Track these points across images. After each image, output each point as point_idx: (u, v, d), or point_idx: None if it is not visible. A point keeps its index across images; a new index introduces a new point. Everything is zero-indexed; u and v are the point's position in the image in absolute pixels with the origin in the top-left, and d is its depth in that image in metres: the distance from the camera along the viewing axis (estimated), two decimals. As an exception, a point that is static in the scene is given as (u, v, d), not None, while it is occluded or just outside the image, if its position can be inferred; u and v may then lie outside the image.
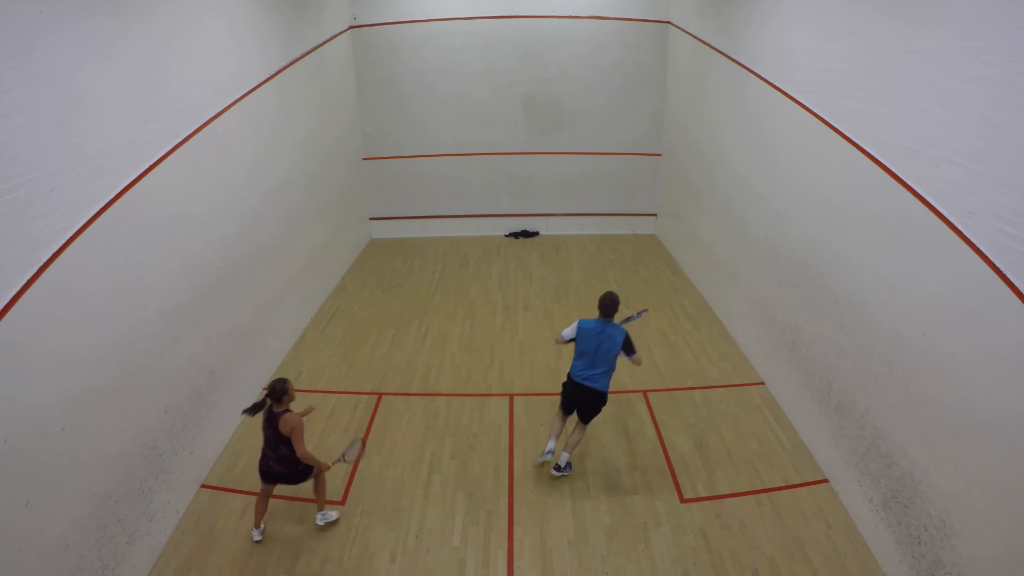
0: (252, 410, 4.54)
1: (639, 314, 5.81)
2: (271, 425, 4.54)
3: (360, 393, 6.71)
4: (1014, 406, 3.32)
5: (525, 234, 11.67)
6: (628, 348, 5.08)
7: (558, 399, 6.50)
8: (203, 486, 5.36)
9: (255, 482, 5.38)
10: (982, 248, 3.55)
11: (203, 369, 5.52)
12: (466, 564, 4.61)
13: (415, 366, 7.23)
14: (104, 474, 4.17)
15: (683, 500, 5.15)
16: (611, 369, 5.14)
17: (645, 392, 6.63)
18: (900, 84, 4.29)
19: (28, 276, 3.56)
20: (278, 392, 4.48)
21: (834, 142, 5.14)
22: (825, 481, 5.30)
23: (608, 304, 5.08)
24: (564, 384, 5.38)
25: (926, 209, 4.00)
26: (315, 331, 8.12)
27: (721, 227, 8.15)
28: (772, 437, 5.89)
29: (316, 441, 5.92)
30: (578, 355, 5.17)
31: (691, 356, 7.36)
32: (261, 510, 4.83)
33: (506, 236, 11.70)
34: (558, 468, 5.34)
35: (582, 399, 5.23)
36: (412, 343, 7.75)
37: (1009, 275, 3.36)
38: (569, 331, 5.20)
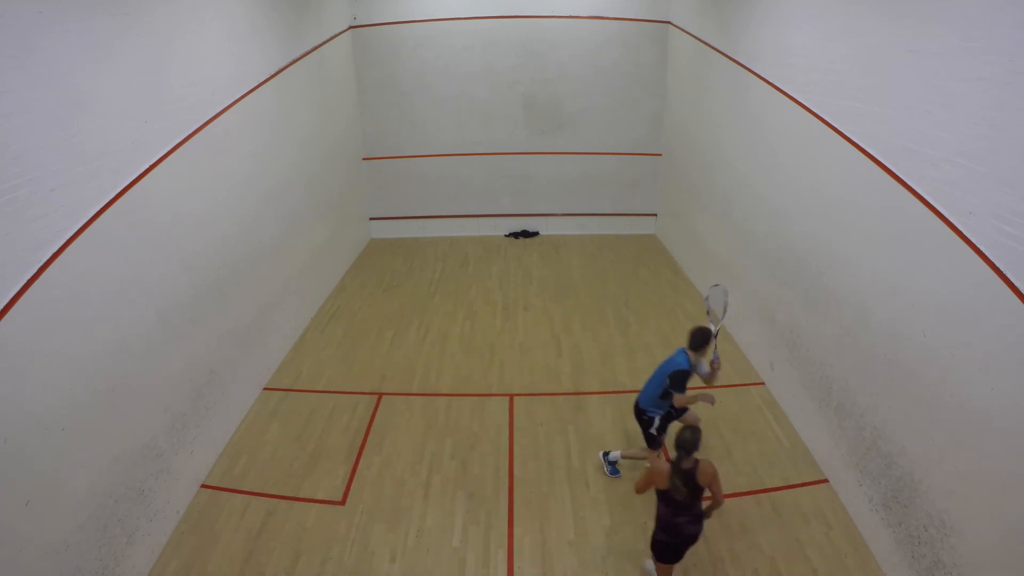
0: None
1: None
2: None
3: (360, 393, 6.71)
4: (1014, 405, 3.32)
5: (525, 234, 11.67)
6: (674, 382, 4.74)
7: (558, 399, 6.52)
8: (203, 486, 5.36)
9: (255, 482, 5.42)
10: (982, 248, 3.55)
11: (203, 369, 5.52)
12: (466, 564, 4.61)
13: (415, 366, 7.23)
14: (104, 474, 4.17)
15: (683, 500, 5.14)
16: (656, 393, 4.91)
17: (645, 392, 6.62)
18: (900, 84, 4.29)
19: (28, 276, 3.56)
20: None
21: (834, 142, 5.14)
22: (825, 481, 5.30)
23: (691, 335, 4.83)
24: None
25: (926, 209, 4.00)
26: (315, 331, 8.12)
27: (721, 227, 8.15)
28: (772, 437, 5.89)
29: (316, 442, 5.93)
30: None
31: (691, 356, 7.35)
32: None
33: (506, 236, 11.70)
34: (605, 454, 5.44)
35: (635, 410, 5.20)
36: (412, 343, 7.75)
37: (1009, 275, 3.35)
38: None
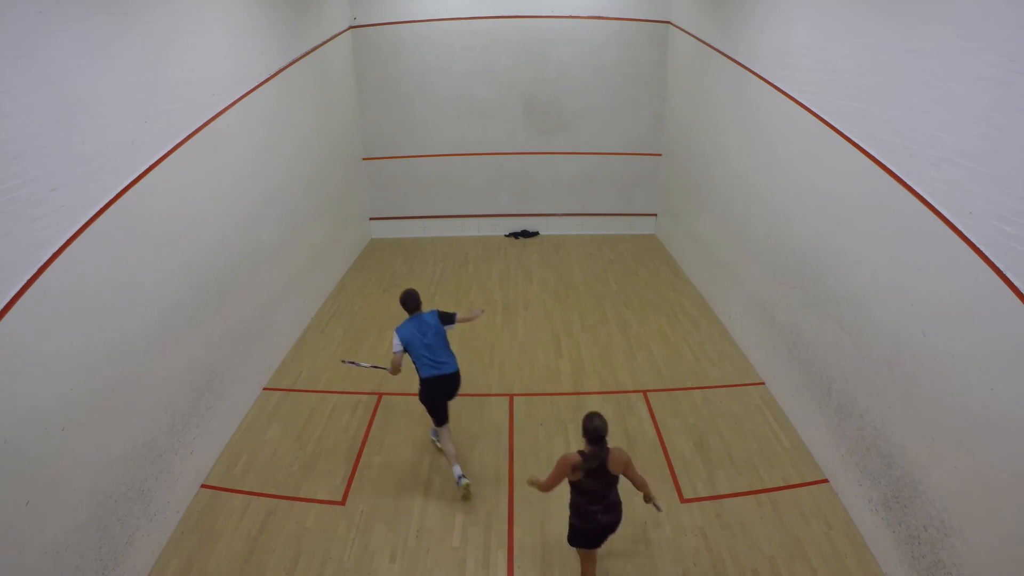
0: None
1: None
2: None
3: (360, 393, 6.71)
4: (1014, 406, 3.32)
5: (525, 234, 11.67)
6: (446, 319, 5.36)
7: (558, 399, 6.50)
8: (203, 486, 5.36)
9: (255, 482, 5.42)
10: (982, 248, 3.55)
11: (203, 369, 5.52)
12: (466, 564, 4.61)
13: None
14: (104, 474, 4.17)
15: (683, 500, 5.14)
16: (449, 348, 5.37)
17: (645, 392, 6.63)
18: (900, 84, 4.29)
19: (28, 276, 3.55)
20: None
21: (834, 142, 5.14)
22: (825, 481, 5.30)
23: (407, 300, 5.26)
24: (425, 391, 5.27)
25: (926, 209, 4.01)
26: (315, 331, 8.12)
27: (721, 227, 8.16)
28: (772, 437, 5.89)
29: (316, 442, 5.93)
30: (418, 356, 5.17)
31: (691, 356, 7.35)
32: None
33: (506, 236, 11.70)
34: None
35: (449, 387, 5.31)
36: (412, 343, 7.74)
37: (1009, 275, 3.36)
38: (396, 344, 5.13)
